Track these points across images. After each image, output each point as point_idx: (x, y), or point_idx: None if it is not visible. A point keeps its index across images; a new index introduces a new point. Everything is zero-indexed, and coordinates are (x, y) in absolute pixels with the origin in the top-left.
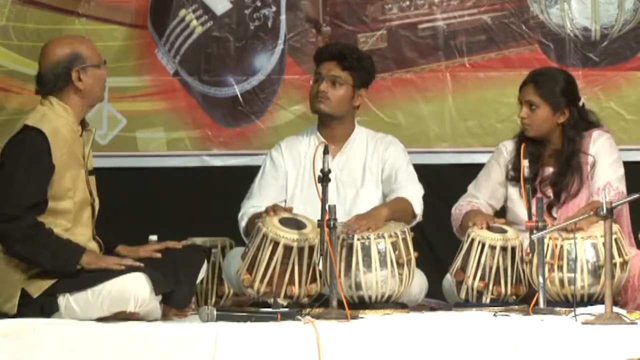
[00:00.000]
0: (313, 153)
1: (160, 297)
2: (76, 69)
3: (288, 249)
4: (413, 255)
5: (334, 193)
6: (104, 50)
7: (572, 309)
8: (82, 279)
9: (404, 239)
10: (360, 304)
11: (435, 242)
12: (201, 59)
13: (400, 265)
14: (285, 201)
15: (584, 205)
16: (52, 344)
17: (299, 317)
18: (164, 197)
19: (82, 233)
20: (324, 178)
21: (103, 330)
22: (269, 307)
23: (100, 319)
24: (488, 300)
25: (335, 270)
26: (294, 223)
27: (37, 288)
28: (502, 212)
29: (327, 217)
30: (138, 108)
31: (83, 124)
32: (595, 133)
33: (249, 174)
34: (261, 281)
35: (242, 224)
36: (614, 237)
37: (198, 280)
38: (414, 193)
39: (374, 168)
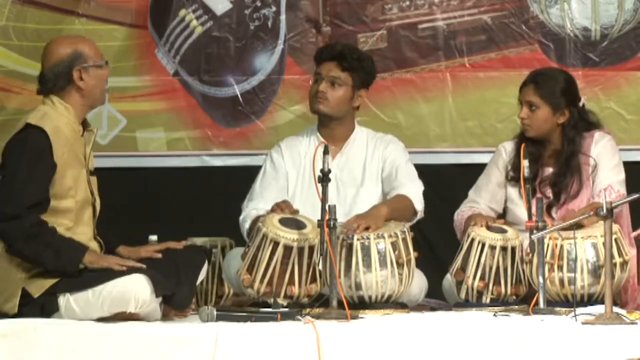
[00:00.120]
0: (313, 153)
1: (160, 299)
2: (77, 68)
3: (288, 249)
4: (413, 255)
5: (334, 193)
6: (104, 50)
7: (572, 309)
8: (82, 279)
9: (404, 239)
10: (360, 304)
11: (435, 242)
12: (201, 59)
13: (400, 265)
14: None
15: (584, 205)
16: (52, 344)
17: (299, 317)
18: (164, 197)
19: (83, 232)
20: (324, 178)
21: (103, 330)
22: (269, 307)
23: (100, 319)
24: (488, 300)
25: (335, 270)
26: (294, 223)
27: (38, 288)
28: (502, 213)
29: (327, 217)
30: (138, 108)
31: (85, 124)
32: (597, 135)
33: (249, 174)
34: (261, 281)
35: (246, 225)
36: (614, 237)
37: (198, 281)
38: (414, 190)
39: (374, 167)
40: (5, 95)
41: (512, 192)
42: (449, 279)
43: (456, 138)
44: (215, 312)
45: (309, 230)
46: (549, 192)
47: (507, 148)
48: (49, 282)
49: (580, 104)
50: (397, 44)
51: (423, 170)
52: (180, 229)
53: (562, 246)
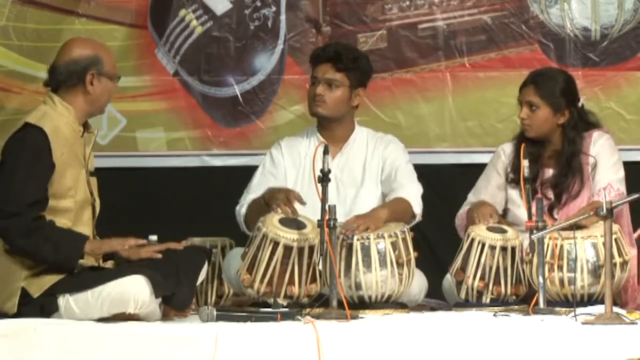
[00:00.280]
0: (313, 153)
1: (160, 299)
2: (92, 72)
3: (288, 249)
4: (413, 255)
5: (333, 193)
6: None
7: (572, 309)
8: (82, 280)
9: (404, 239)
10: (360, 304)
11: (435, 242)
12: (201, 59)
13: (400, 265)
14: None
15: (585, 205)
16: (52, 344)
17: (299, 317)
18: (164, 197)
19: (83, 232)
20: (324, 178)
21: (103, 330)
22: (269, 307)
23: (100, 320)
24: (488, 300)
25: (335, 270)
26: (294, 223)
27: (38, 288)
28: (502, 215)
29: (327, 217)
30: (138, 108)
31: (85, 125)
32: (596, 134)
33: (249, 174)
34: (261, 281)
35: (243, 210)
36: (614, 237)
37: (199, 282)
38: (413, 193)
39: (374, 168)
40: (5, 95)
41: (513, 193)
42: (449, 279)
43: (456, 138)
44: (215, 312)
45: (309, 230)
46: (550, 194)
47: (505, 150)
48: (49, 282)
49: (580, 104)
50: (397, 44)
51: (423, 170)
52: (180, 229)
53: (562, 246)
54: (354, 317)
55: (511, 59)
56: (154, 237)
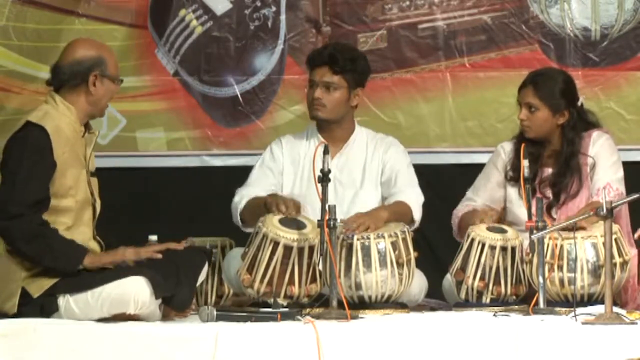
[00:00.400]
0: (313, 154)
1: (160, 300)
2: (96, 73)
3: (288, 249)
4: (413, 255)
5: (332, 194)
6: None
7: (572, 309)
8: (82, 281)
9: (404, 239)
10: (360, 304)
11: (435, 242)
12: (201, 59)
13: (400, 265)
14: None
15: (584, 205)
16: (52, 344)
17: (299, 317)
18: (164, 197)
19: (83, 232)
20: (324, 178)
21: (103, 330)
22: (269, 307)
23: (100, 320)
24: (488, 300)
25: (335, 270)
26: (294, 223)
27: (38, 288)
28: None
29: (327, 217)
30: (138, 108)
31: (87, 125)
32: (595, 134)
33: (249, 174)
34: (261, 281)
35: (241, 206)
36: (614, 237)
37: (199, 283)
38: (414, 198)
39: (374, 169)
40: (5, 95)
41: (512, 192)
42: (449, 279)
43: (456, 138)
44: (215, 312)
45: (309, 230)
46: (549, 193)
47: (506, 148)
48: (49, 283)
49: (579, 103)
50: (397, 44)
51: (423, 171)
52: (180, 229)
53: (562, 246)
54: (354, 317)
55: (511, 59)
56: (154, 237)
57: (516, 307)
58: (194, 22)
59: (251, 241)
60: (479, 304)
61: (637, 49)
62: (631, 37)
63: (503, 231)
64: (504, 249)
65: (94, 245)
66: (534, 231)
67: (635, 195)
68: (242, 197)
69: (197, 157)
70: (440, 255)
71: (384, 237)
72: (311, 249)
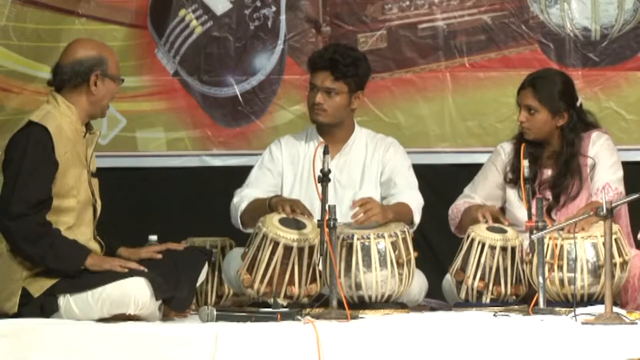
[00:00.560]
0: (312, 154)
1: (160, 301)
2: (97, 72)
3: (288, 249)
4: (413, 255)
5: (332, 195)
6: None
7: (572, 309)
8: (82, 281)
9: (404, 239)
10: (360, 304)
11: (435, 242)
12: (201, 59)
13: (400, 265)
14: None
15: (584, 206)
16: (52, 344)
17: (299, 317)
18: (164, 197)
19: (83, 232)
20: (324, 178)
21: (103, 330)
22: (269, 307)
23: (100, 320)
24: (488, 300)
25: (335, 270)
26: (294, 223)
27: (38, 288)
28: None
29: (327, 217)
30: (138, 108)
31: (88, 126)
32: (595, 134)
33: (249, 174)
34: (261, 281)
35: (241, 207)
36: (614, 237)
37: (198, 283)
38: (414, 200)
39: (374, 170)
40: (5, 95)
41: (511, 193)
42: (449, 279)
43: (456, 138)
44: (215, 312)
45: (309, 230)
46: (549, 194)
47: (505, 149)
48: (49, 283)
49: (578, 103)
50: (397, 44)
51: (423, 171)
52: (180, 229)
53: (562, 246)
54: (354, 317)
55: (511, 59)
56: (154, 237)
57: (516, 307)
58: (194, 22)
59: (251, 241)
60: (479, 304)
61: (637, 49)
62: (631, 37)
63: (503, 231)
64: (504, 249)
65: (94, 246)
66: (534, 231)
67: (635, 195)
68: (241, 199)
69: (197, 157)
70: (440, 255)
71: (384, 237)
72: (311, 249)
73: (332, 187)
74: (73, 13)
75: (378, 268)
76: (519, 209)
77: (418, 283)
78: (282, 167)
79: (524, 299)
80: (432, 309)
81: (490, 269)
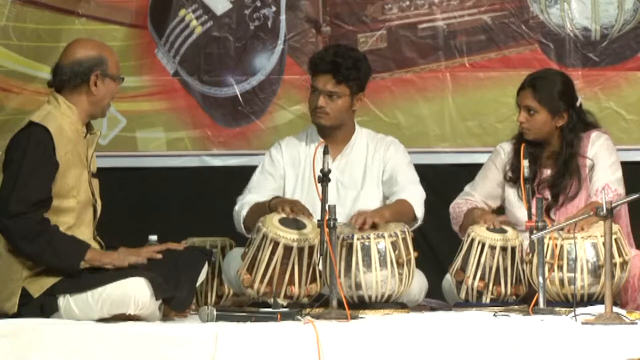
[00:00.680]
0: (313, 155)
1: (160, 301)
2: (97, 72)
3: (288, 249)
4: (413, 255)
5: (334, 195)
6: None
7: (572, 309)
8: (82, 281)
9: (404, 239)
10: (360, 304)
11: (435, 242)
12: (201, 59)
13: (400, 265)
14: None
15: (583, 206)
16: (52, 344)
17: (299, 317)
18: (164, 197)
19: (83, 232)
20: (324, 178)
21: (103, 330)
22: (269, 307)
23: (100, 320)
24: (488, 300)
25: (335, 270)
26: (294, 223)
27: (38, 288)
28: (500, 213)
29: (327, 217)
30: (138, 108)
31: (88, 126)
32: (594, 134)
33: (249, 174)
34: (261, 281)
35: (243, 213)
36: (614, 237)
37: (198, 283)
38: (415, 195)
39: (375, 169)
40: (5, 95)
41: (510, 193)
42: (449, 279)
43: (456, 138)
44: (215, 312)
45: (309, 230)
46: (548, 194)
47: (505, 149)
48: (49, 283)
49: (578, 103)
50: (397, 44)
51: (423, 171)
52: (180, 229)
53: (562, 246)
54: (354, 317)
55: (511, 59)
56: (154, 237)
57: (516, 307)
58: (194, 22)
59: (251, 241)
60: (479, 304)
61: (637, 49)
62: (631, 37)
63: (503, 231)
64: (504, 249)
65: (94, 246)
66: (534, 231)
67: (635, 195)
68: (242, 205)
69: (197, 157)
70: (440, 255)
71: (384, 237)
72: (311, 249)
73: (334, 188)
74: (73, 13)
75: (378, 268)
76: (518, 208)
77: (418, 283)
78: (284, 169)
79: (524, 299)
80: (432, 309)
81: (490, 269)
